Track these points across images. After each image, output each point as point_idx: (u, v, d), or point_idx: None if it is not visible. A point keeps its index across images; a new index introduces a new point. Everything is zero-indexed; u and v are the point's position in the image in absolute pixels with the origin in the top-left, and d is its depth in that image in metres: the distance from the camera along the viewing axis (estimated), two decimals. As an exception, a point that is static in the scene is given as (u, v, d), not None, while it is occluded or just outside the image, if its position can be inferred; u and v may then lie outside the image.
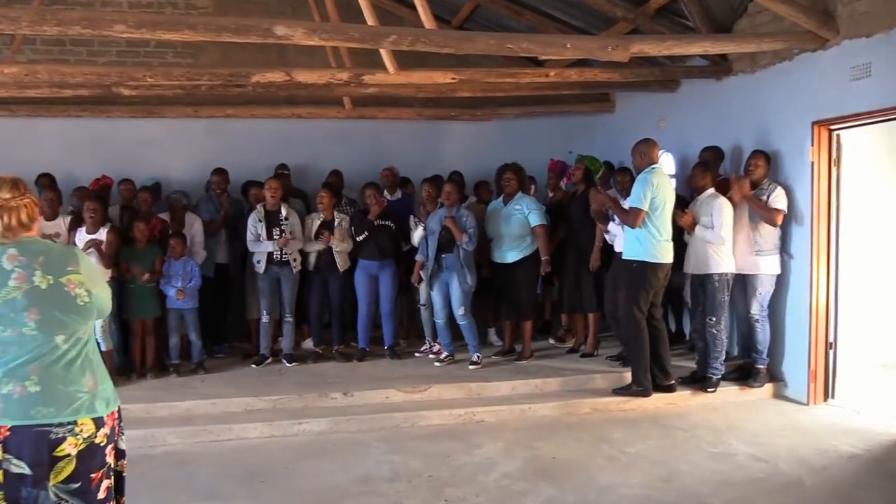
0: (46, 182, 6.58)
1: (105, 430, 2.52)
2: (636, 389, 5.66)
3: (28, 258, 2.45)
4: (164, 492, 4.21)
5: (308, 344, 6.85)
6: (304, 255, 6.42)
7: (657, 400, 5.71)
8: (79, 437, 2.43)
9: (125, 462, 2.73)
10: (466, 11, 7.66)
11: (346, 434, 5.18)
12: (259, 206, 6.32)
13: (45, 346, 2.43)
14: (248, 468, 4.57)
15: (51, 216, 5.93)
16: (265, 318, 6.38)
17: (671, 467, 4.50)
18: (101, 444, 2.51)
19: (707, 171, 5.94)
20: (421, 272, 6.48)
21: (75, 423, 2.43)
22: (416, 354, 6.75)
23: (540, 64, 7.30)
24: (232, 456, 4.78)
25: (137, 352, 6.08)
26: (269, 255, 6.22)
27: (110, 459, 2.57)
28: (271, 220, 6.25)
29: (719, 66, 6.43)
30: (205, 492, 4.22)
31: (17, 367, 2.40)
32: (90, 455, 2.47)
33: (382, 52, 5.65)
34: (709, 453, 4.76)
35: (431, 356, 6.57)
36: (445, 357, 6.42)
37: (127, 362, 6.12)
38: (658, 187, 5.48)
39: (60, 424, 2.41)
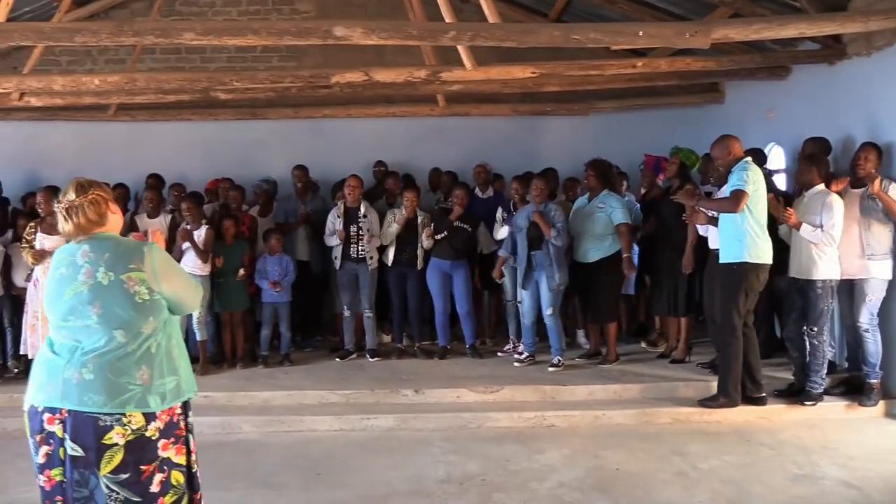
0: (153, 182, 7.06)
1: (157, 423, 2.56)
2: (723, 401, 5.26)
3: (97, 254, 2.58)
4: (226, 478, 4.37)
5: (385, 339, 6.94)
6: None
7: (747, 413, 5.29)
8: (126, 427, 2.50)
9: (194, 458, 2.77)
10: (562, 4, 7.44)
11: (412, 432, 5.18)
12: (339, 203, 6.46)
13: (104, 339, 2.54)
14: (310, 460, 4.68)
15: (153, 214, 6.34)
16: (346, 313, 6.53)
17: (743, 488, 4.15)
18: (153, 438, 2.55)
19: (813, 165, 5.40)
20: (504, 268, 6.40)
21: (123, 414, 2.51)
22: (499, 354, 6.66)
23: (642, 54, 6.98)
24: (298, 447, 4.92)
25: (227, 342, 6.40)
26: (346, 251, 6.34)
27: (166, 454, 2.61)
28: (350, 216, 6.37)
29: (832, 50, 5.85)
30: (262, 481, 4.36)
31: (80, 356, 2.53)
32: (139, 447, 2.53)
33: (460, 48, 5.59)
34: (791, 475, 4.34)
35: (516, 356, 6.45)
36: (526, 357, 6.29)
37: (219, 352, 6.45)
38: (756, 181, 5.06)
39: (109, 413, 2.50)
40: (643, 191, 6.91)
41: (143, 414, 2.55)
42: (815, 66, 6.13)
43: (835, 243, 5.15)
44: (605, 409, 5.37)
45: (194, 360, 6.11)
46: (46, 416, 2.53)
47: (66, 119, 7.97)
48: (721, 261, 5.22)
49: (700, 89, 7.87)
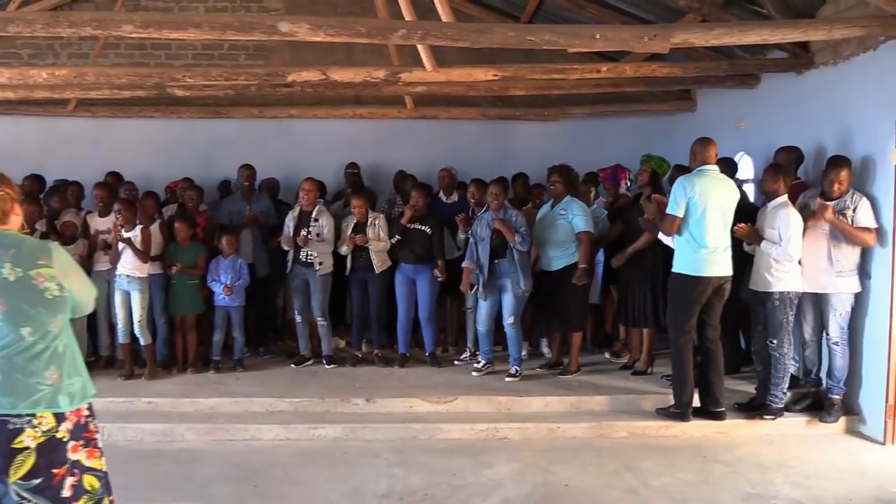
0: (109, 180, 6.88)
1: (68, 425, 2.50)
2: (673, 412, 5.15)
3: (1, 251, 2.47)
4: (157, 489, 4.22)
5: (340, 344, 6.80)
6: (342, 257, 6.34)
7: (705, 428, 5.16)
8: (37, 429, 2.43)
9: (104, 461, 2.67)
10: (532, 6, 7.32)
11: (360, 442, 5.02)
12: (297, 205, 6.30)
13: (10, 338, 2.44)
14: (248, 471, 4.51)
15: (104, 213, 6.16)
16: (298, 318, 6.37)
17: (692, 507, 4.02)
18: (63, 440, 2.48)
19: (778, 175, 5.26)
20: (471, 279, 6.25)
21: (33, 415, 2.43)
22: (456, 362, 6.50)
23: (614, 59, 6.87)
24: (239, 457, 4.74)
25: (179, 347, 6.22)
26: (296, 255, 6.18)
27: (76, 456, 2.53)
28: (302, 220, 6.22)
29: (799, 59, 5.75)
30: (194, 492, 4.19)
31: None
32: (50, 449, 2.45)
33: (420, 48, 5.46)
34: (744, 494, 4.21)
35: (476, 365, 6.29)
36: (484, 366, 6.13)
37: (171, 356, 6.26)
38: (698, 191, 4.94)
39: (18, 415, 2.40)
40: (610, 199, 6.78)
41: (54, 414, 2.48)
42: (784, 76, 6.04)
43: (793, 259, 5.03)
44: (560, 422, 5.22)
45: (142, 364, 6.01)
46: None
47: (25, 113, 7.78)
48: (671, 270, 5.15)
49: (672, 97, 7.78)
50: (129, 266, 5.79)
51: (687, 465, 4.62)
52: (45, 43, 7.83)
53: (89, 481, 2.56)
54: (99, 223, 6.11)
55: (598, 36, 4.37)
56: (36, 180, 6.84)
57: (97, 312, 6.16)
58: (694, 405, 5.21)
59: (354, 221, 6.29)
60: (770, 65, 5.90)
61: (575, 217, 5.87)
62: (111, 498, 2.70)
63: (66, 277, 2.56)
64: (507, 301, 5.93)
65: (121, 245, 5.74)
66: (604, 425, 5.20)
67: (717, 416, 5.16)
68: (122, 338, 6.00)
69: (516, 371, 5.95)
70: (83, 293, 2.68)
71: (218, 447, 4.93)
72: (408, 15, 5.16)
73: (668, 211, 4.97)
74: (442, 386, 5.76)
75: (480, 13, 7.95)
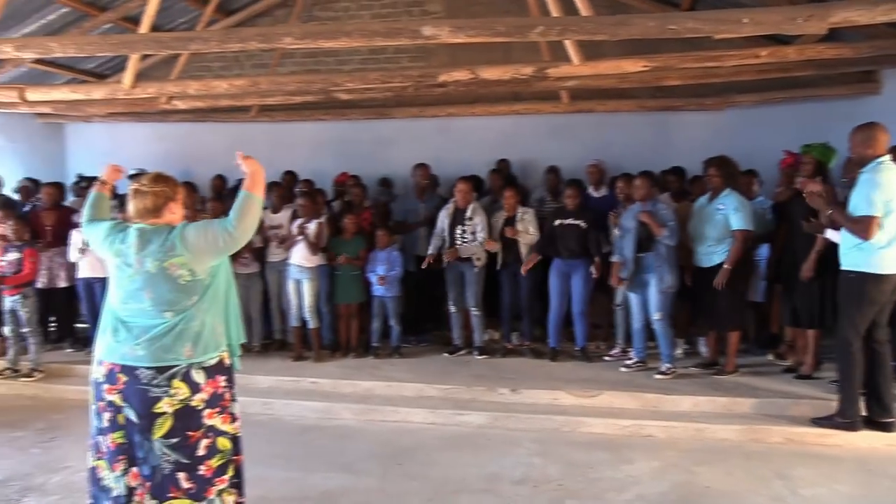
0: (287, 179, 7.52)
1: (203, 395, 2.89)
2: (839, 421, 4.78)
3: (142, 244, 2.89)
4: (312, 460, 4.60)
5: (494, 336, 6.95)
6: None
7: (873, 439, 4.76)
8: (174, 398, 2.83)
9: (238, 425, 3.07)
10: (694, -8, 7.05)
11: (503, 431, 5.16)
12: (450, 203, 6.53)
13: (156, 320, 2.86)
14: (395, 450, 4.79)
15: (277, 209, 6.75)
16: (452, 309, 6.60)
17: (845, 520, 3.76)
18: (198, 408, 2.88)
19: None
20: (620, 274, 6.17)
21: (170, 384, 2.82)
22: (606, 358, 6.43)
23: (784, 41, 6.45)
24: (388, 437, 5.05)
25: (343, 332, 6.68)
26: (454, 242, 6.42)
27: (212, 422, 2.92)
28: (457, 218, 6.44)
29: None
30: (345, 466, 4.52)
31: (135, 334, 2.85)
32: (186, 415, 2.86)
33: (567, 43, 5.49)
34: (910, 511, 3.88)
35: (627, 361, 6.20)
36: (635, 364, 6.04)
37: (335, 341, 6.75)
38: (890, 187, 4.54)
39: (157, 385, 2.81)
40: (777, 191, 6.38)
41: (188, 384, 2.84)
42: None
43: None
44: (709, 423, 5.04)
45: (309, 347, 6.53)
46: (106, 386, 2.82)
47: (214, 120, 8.70)
48: (841, 267, 4.74)
49: (852, 79, 7.13)
50: (300, 257, 6.32)
51: (846, 478, 4.30)
52: (231, 55, 8.68)
53: (222, 443, 2.94)
54: (273, 219, 6.71)
55: (745, 20, 4.16)
56: (221, 180, 7.62)
57: (271, 300, 6.80)
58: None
59: (505, 216, 6.40)
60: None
61: (732, 213, 5.60)
62: (240, 458, 3.05)
63: (197, 261, 2.88)
64: (653, 297, 5.80)
65: (298, 237, 6.27)
66: (757, 429, 4.95)
67: (886, 427, 4.73)
68: (293, 322, 6.55)
69: (668, 369, 5.80)
70: (218, 264, 2.98)
71: (370, 426, 5.27)
72: (554, 11, 5.22)
73: (862, 212, 4.54)
74: (588, 380, 5.75)
75: (639, 2, 7.76)
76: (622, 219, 6.01)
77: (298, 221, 6.39)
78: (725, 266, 5.58)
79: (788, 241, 5.91)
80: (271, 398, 5.58)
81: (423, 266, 6.52)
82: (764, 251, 6.27)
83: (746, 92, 7.58)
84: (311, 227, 6.33)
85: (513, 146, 8.25)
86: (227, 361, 3.01)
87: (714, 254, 5.72)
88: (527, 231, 6.37)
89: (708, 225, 5.76)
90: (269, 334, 6.94)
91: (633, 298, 6.00)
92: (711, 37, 4.36)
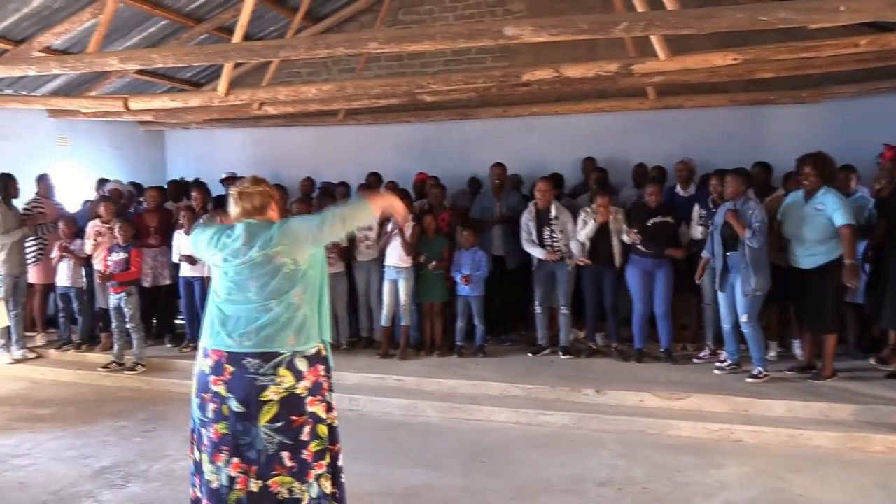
0: (372, 181, 7.68)
1: (306, 383, 2.99)
2: (947, 431, 4.52)
3: (250, 237, 3.04)
4: (397, 456, 4.69)
5: (579, 336, 6.87)
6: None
7: None
8: (280, 386, 2.94)
9: (335, 415, 3.17)
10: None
11: (587, 431, 5.12)
12: (531, 205, 6.51)
13: (261, 309, 2.99)
14: (478, 448, 4.83)
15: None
16: (538, 309, 6.57)
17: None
18: (302, 395, 2.99)
19: None
20: (706, 269, 6.01)
21: (276, 373, 2.95)
22: (695, 360, 6.27)
23: (887, 29, 6.12)
24: (471, 435, 5.09)
25: (427, 331, 6.77)
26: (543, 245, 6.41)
27: (314, 409, 3.02)
28: (541, 218, 6.41)
29: None
30: (429, 462, 4.59)
31: (241, 325, 2.99)
32: (291, 402, 2.96)
33: (653, 38, 5.39)
34: None
35: (717, 363, 6.02)
36: (728, 366, 5.86)
37: (420, 340, 6.85)
38: None
39: (264, 373, 2.94)
40: (877, 187, 6.06)
41: (293, 372, 2.95)
42: None
43: None
44: (804, 429, 4.85)
45: (395, 345, 6.65)
46: (212, 377, 2.96)
47: (304, 124, 8.99)
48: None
49: (965, 67, 6.69)
50: (395, 257, 6.46)
51: (957, 490, 4.07)
52: (319, 61, 8.93)
53: (322, 430, 3.03)
54: (361, 220, 6.85)
55: (842, 8, 3.97)
56: (310, 182, 7.87)
57: (358, 299, 6.96)
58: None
59: (597, 220, 6.31)
60: None
61: (836, 211, 5.32)
62: (336, 447, 3.14)
63: (296, 249, 2.99)
64: (739, 299, 5.60)
65: (393, 238, 6.43)
66: (856, 437, 4.73)
67: None
68: (384, 321, 6.67)
69: (759, 372, 5.61)
70: (316, 251, 3.09)
71: (453, 424, 5.33)
72: (639, 6, 5.13)
73: None
74: (676, 383, 5.63)
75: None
76: (717, 216, 5.84)
77: (392, 223, 6.49)
78: (848, 261, 5.26)
79: (891, 239, 5.62)
80: (358, 394, 5.72)
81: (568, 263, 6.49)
82: (863, 250, 5.97)
83: (845, 83, 7.23)
84: (408, 228, 6.44)
85: (597, 144, 8.15)
86: (324, 352, 3.11)
87: (817, 255, 5.45)
88: (620, 231, 6.26)
89: (807, 226, 5.49)
90: (356, 332, 7.11)
91: (722, 298, 5.82)
92: (806, 26, 4.19)
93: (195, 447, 3.08)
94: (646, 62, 5.55)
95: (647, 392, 5.45)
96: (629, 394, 5.48)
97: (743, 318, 5.62)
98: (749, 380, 5.59)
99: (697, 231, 6.19)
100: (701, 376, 5.82)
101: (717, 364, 5.96)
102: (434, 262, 6.54)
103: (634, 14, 4.51)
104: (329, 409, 3.11)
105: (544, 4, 8.17)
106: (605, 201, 6.32)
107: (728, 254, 5.64)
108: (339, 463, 3.18)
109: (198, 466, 3.07)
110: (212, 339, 3.02)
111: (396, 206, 3.14)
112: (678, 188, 6.83)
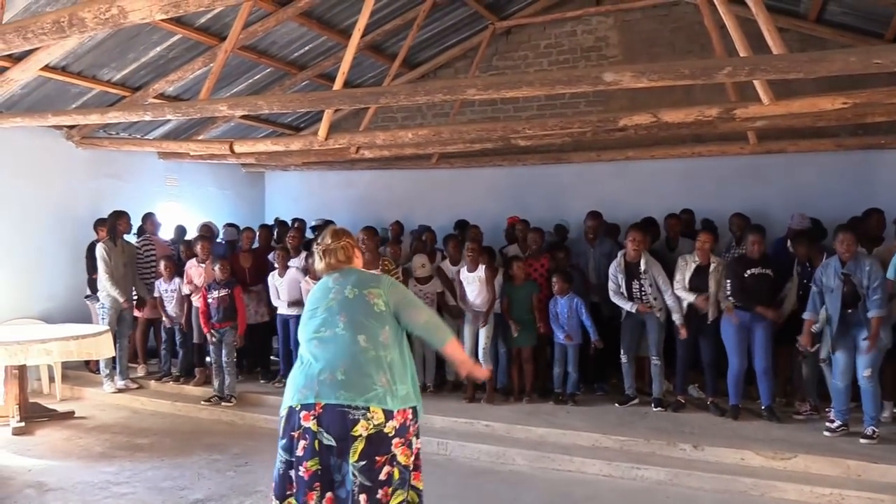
0: (457, 232, 7.72)
1: (394, 423, 3.01)
2: None
3: (345, 279, 3.21)
4: (486, 504, 4.62)
5: (668, 387, 6.60)
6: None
7: None
8: (370, 422, 2.97)
9: (412, 460, 3.14)
10: (900, 20, 6.51)
11: (684, 489, 4.89)
12: (620, 255, 6.36)
13: (351, 344, 3.06)
14: (569, 500, 4.69)
15: (455, 260, 6.88)
16: (624, 358, 6.39)
17: None
18: (389, 434, 3.00)
19: None
20: (812, 331, 5.67)
21: (368, 409, 2.97)
22: (796, 416, 5.92)
23: None
24: (562, 486, 4.95)
25: (515, 376, 6.67)
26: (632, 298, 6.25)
27: (397, 451, 3.03)
28: (631, 271, 6.26)
29: None
30: (518, 514, 4.49)
31: (332, 360, 3.06)
32: (378, 440, 2.98)
33: (756, 82, 5.25)
34: None
35: (826, 424, 5.64)
36: (838, 427, 5.50)
37: (507, 385, 6.75)
38: None
39: (356, 407, 2.97)
40: None
41: (384, 411, 2.98)
42: None
43: None
44: (926, 498, 4.48)
45: (480, 387, 6.59)
46: (303, 413, 3.01)
47: (398, 168, 9.17)
48: None
49: None
50: (478, 302, 6.46)
51: None
52: (415, 106, 9.13)
53: (398, 472, 3.02)
54: (451, 270, 6.86)
55: (968, 51, 3.78)
56: (399, 226, 7.99)
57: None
58: None
59: (698, 264, 6.13)
60: None
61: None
62: (407, 494, 3.09)
63: (389, 294, 3.17)
64: (863, 353, 5.29)
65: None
66: None
67: None
68: (470, 364, 6.63)
69: (873, 432, 5.24)
70: (415, 317, 3.21)
71: (543, 474, 5.20)
72: (742, 50, 5.01)
73: None
74: (780, 441, 5.32)
75: (834, 34, 7.28)
76: (820, 274, 5.54)
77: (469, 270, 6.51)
78: None
79: None
80: (446, 439, 5.67)
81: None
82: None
83: (967, 127, 6.83)
84: (480, 273, 6.46)
85: (694, 190, 7.98)
86: (413, 398, 3.12)
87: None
88: (717, 284, 6.03)
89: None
90: (443, 376, 7.09)
91: (839, 357, 5.48)
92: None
93: (282, 492, 3.07)
94: (748, 107, 5.40)
95: (748, 450, 5.17)
96: (729, 451, 5.21)
97: (866, 373, 5.30)
98: (863, 440, 5.23)
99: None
100: (806, 435, 5.48)
101: (827, 425, 5.60)
102: (516, 327, 6.50)
103: (739, 59, 4.40)
104: (410, 452, 3.10)
105: (641, 49, 8.13)
106: (706, 237, 6.13)
107: (849, 311, 5.35)
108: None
109: None
110: (302, 378, 3.07)
111: (472, 371, 3.54)
112: (790, 244, 6.50)
